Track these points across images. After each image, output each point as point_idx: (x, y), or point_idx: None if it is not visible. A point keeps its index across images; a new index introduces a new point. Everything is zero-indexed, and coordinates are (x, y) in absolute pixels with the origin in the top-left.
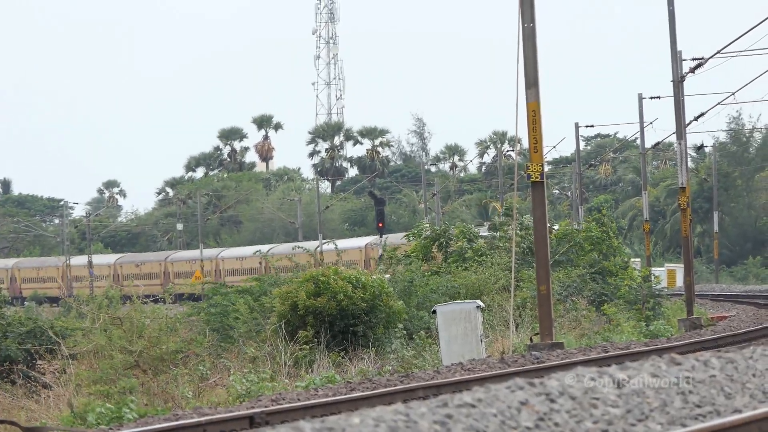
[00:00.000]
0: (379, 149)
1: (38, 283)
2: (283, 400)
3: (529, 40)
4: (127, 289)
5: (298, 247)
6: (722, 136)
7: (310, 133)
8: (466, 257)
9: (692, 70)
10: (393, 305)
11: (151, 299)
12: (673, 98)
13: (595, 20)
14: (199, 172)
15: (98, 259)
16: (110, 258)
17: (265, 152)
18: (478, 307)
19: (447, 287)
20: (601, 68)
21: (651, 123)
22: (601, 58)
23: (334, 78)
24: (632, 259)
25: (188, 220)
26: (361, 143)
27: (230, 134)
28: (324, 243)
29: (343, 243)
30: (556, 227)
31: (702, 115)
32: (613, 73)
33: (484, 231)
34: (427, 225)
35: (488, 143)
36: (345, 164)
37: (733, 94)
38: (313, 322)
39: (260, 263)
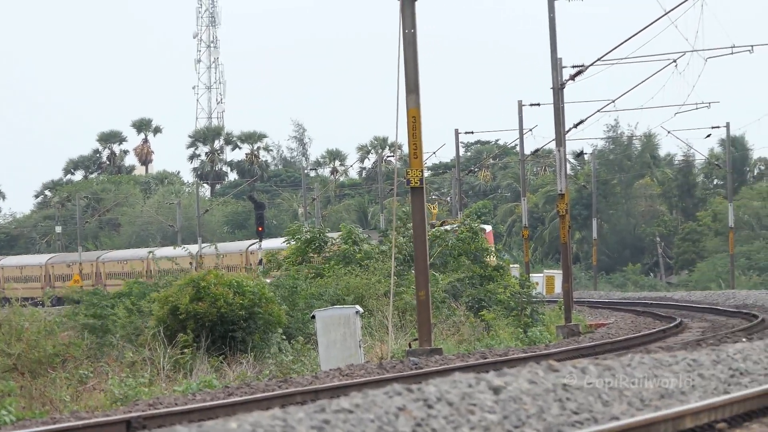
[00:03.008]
0: (259, 153)
1: None
2: (161, 404)
3: (410, 46)
4: (9, 292)
5: (183, 248)
6: (601, 144)
7: (190, 136)
8: (349, 260)
9: (572, 77)
10: (273, 310)
11: (30, 302)
12: (552, 105)
13: (477, 27)
14: (78, 175)
15: None
16: None
17: (145, 156)
18: (357, 312)
19: (331, 294)
20: (482, 75)
21: (531, 130)
22: (482, 65)
23: (215, 82)
24: (511, 265)
25: (67, 222)
26: (241, 147)
27: (109, 137)
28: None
29: (225, 246)
30: (447, 226)
31: (581, 122)
32: (494, 80)
33: (373, 237)
34: (304, 225)
35: (369, 148)
36: (225, 168)
37: (613, 101)
38: (193, 326)
39: (143, 265)
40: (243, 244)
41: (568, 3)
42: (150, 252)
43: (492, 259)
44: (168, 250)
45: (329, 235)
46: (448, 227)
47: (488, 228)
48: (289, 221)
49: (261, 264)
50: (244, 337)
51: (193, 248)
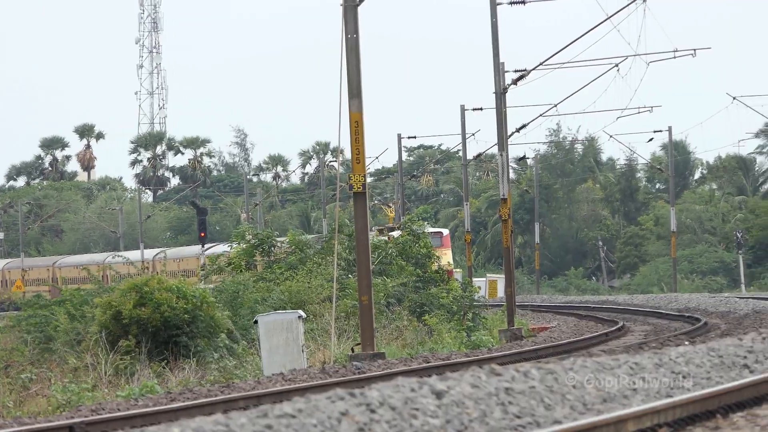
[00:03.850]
0: (201, 159)
1: None
2: (103, 410)
3: (353, 50)
4: None
5: (119, 255)
6: (544, 148)
7: (132, 142)
8: (293, 265)
9: (515, 81)
10: (215, 315)
11: None
12: (495, 110)
13: (420, 32)
14: (21, 182)
15: None
16: None
17: (87, 162)
18: (299, 317)
19: (275, 299)
20: (426, 80)
21: (473, 134)
22: (425, 70)
23: (157, 87)
24: (454, 270)
25: (9, 229)
26: (183, 153)
27: (52, 143)
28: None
29: (179, 251)
30: (396, 233)
31: (524, 126)
32: (437, 85)
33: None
34: (250, 228)
35: (311, 153)
36: (167, 174)
37: (555, 105)
38: (136, 331)
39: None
40: (198, 249)
41: (511, 8)
42: (116, 256)
43: (448, 264)
44: (128, 255)
45: (279, 240)
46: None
47: (445, 232)
48: (232, 227)
49: (204, 268)
50: (188, 342)
51: (149, 253)
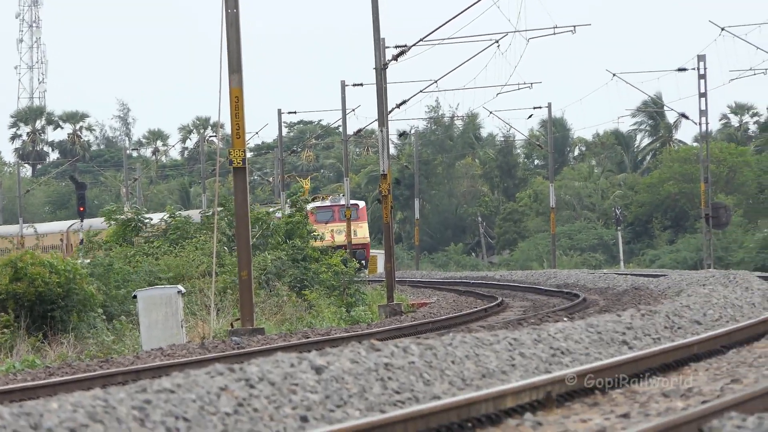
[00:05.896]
0: (81, 133)
1: None
2: None
3: (233, 25)
4: None
5: (31, 226)
6: (423, 124)
7: (11, 116)
8: (172, 239)
9: (395, 57)
10: (88, 289)
11: None
12: (375, 85)
13: (302, 7)
14: None
15: None
16: None
17: None
18: (179, 292)
19: (147, 272)
20: (306, 55)
21: (353, 110)
22: (306, 45)
23: (37, 62)
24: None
25: None
26: (63, 128)
27: None
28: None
29: (44, 227)
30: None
31: (404, 102)
32: (318, 60)
33: (196, 217)
34: (118, 206)
35: (191, 128)
36: (46, 148)
37: (436, 81)
38: (14, 306)
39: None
40: (63, 225)
41: None
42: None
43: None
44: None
45: (151, 215)
46: (319, 203)
47: (361, 204)
48: (111, 201)
49: (82, 244)
50: (63, 317)
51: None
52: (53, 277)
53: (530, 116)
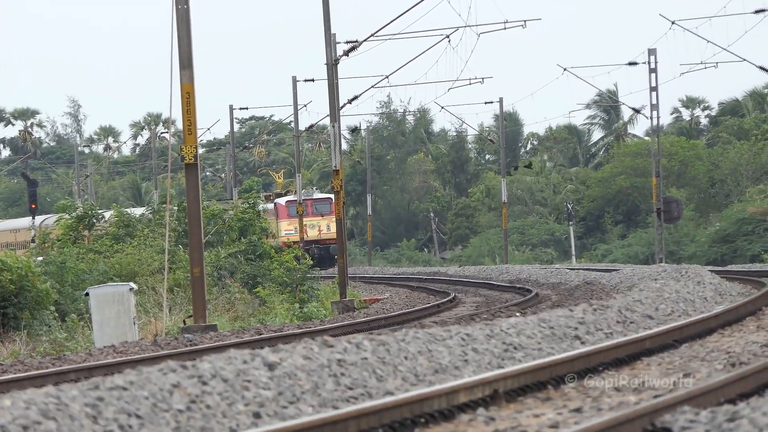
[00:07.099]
0: (32, 130)
1: None
2: None
3: (184, 21)
4: None
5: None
6: (375, 120)
7: None
8: (119, 237)
9: (346, 53)
10: (41, 287)
11: None
12: (327, 81)
13: (251, 3)
14: None
15: None
16: None
17: None
18: (131, 289)
19: (101, 270)
20: (257, 50)
21: (305, 106)
22: (257, 40)
23: None
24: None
25: None
26: (14, 124)
27: None
28: None
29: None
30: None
31: (356, 98)
32: (269, 56)
33: (141, 212)
34: (70, 203)
35: (143, 125)
36: None
37: (387, 77)
38: None
39: None
40: (21, 222)
41: None
42: None
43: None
44: None
45: (102, 212)
46: (292, 197)
47: (334, 198)
48: (63, 198)
49: (33, 242)
50: (16, 314)
51: None
52: (5, 275)
53: (486, 104)
